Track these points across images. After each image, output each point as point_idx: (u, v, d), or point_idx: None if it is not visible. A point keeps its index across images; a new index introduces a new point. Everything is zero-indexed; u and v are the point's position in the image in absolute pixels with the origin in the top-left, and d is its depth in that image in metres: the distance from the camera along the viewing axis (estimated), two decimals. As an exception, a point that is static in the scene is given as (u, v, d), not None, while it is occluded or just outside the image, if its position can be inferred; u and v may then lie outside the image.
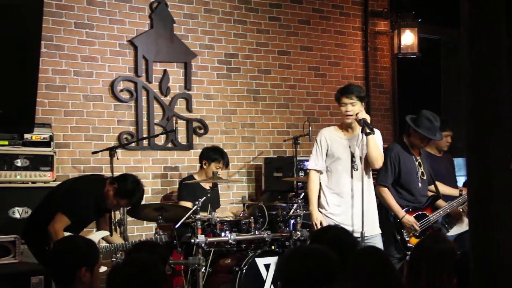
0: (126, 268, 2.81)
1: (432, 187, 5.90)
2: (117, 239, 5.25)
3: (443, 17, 8.17)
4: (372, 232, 5.21)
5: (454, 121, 6.48)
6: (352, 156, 5.17)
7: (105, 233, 5.15)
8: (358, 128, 5.19)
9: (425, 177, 5.78)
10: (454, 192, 6.00)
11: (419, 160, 5.78)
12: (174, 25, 6.90)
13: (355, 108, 5.16)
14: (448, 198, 5.94)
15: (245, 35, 7.38)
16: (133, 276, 2.73)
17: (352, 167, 5.14)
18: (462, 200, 5.84)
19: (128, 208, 5.30)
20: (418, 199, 5.72)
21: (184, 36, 6.96)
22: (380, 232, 5.34)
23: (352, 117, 5.15)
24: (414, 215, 5.63)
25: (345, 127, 5.30)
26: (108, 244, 5.10)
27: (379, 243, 5.22)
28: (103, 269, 5.11)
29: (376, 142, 5.17)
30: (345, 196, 5.18)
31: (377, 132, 5.27)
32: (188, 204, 5.90)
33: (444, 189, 6.00)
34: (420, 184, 5.74)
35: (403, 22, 8.21)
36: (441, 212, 5.78)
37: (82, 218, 5.09)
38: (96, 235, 5.06)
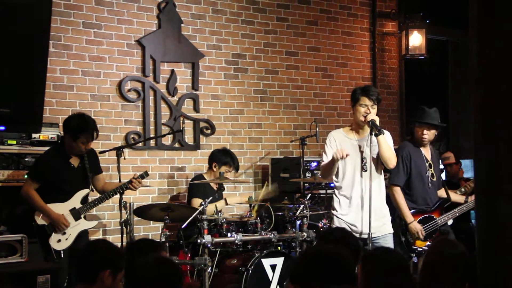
0: (147, 269, 2.82)
1: (442, 191, 5.85)
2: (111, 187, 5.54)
3: (451, 18, 8.15)
4: (383, 231, 5.22)
5: (462, 123, 6.44)
6: (362, 157, 5.15)
7: (85, 191, 5.41)
8: (367, 129, 5.18)
9: (435, 179, 5.73)
10: (460, 198, 5.96)
11: (430, 162, 5.74)
12: (182, 25, 6.90)
13: (374, 111, 5.17)
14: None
15: (252, 35, 7.38)
16: (157, 277, 2.75)
17: (362, 168, 5.12)
18: (472, 205, 5.81)
19: (89, 141, 5.36)
20: (426, 201, 5.68)
21: (192, 36, 6.97)
22: (392, 231, 5.33)
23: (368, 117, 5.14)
24: (421, 217, 5.62)
25: (356, 128, 5.29)
26: (98, 196, 5.49)
27: (390, 243, 5.20)
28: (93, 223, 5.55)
29: (387, 142, 5.17)
30: (354, 197, 5.19)
31: (387, 133, 5.26)
32: (200, 201, 5.93)
33: (451, 195, 5.92)
34: (430, 186, 5.70)
35: (411, 23, 8.19)
36: (450, 215, 5.74)
37: (48, 175, 5.28)
38: (76, 196, 5.36)
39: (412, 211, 5.60)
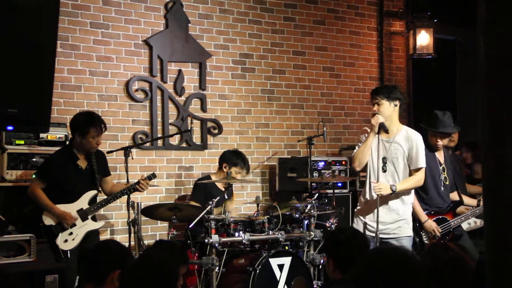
0: (137, 269, 2.82)
1: (454, 194, 5.87)
2: (118, 189, 5.56)
3: (459, 17, 8.13)
4: (398, 233, 5.27)
5: (469, 122, 6.44)
6: (384, 157, 5.21)
7: (92, 192, 5.44)
8: (394, 131, 5.28)
9: (448, 182, 5.77)
10: (472, 202, 5.96)
11: (443, 165, 5.77)
12: (189, 25, 6.91)
13: (381, 108, 5.25)
14: None
15: (260, 35, 7.38)
16: (144, 277, 2.73)
17: (382, 168, 5.19)
18: None
19: (99, 134, 5.41)
20: (438, 203, 5.70)
21: (199, 36, 6.97)
22: (411, 235, 5.36)
23: (377, 117, 5.22)
24: (434, 218, 5.63)
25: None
26: (106, 197, 5.52)
27: (406, 246, 5.21)
28: (100, 224, 5.55)
29: (403, 186, 5.24)
30: (371, 196, 5.26)
31: (418, 137, 5.34)
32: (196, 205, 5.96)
33: (464, 198, 5.94)
34: (442, 189, 5.74)
35: (419, 22, 8.17)
36: (463, 218, 5.75)
37: (55, 176, 5.31)
38: (84, 197, 5.38)
39: (425, 212, 5.62)
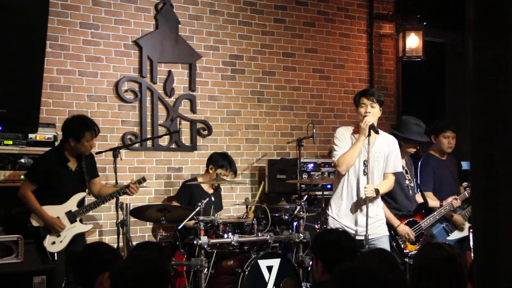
0: (129, 267, 2.81)
1: (418, 196, 5.93)
2: (108, 191, 5.55)
3: (448, 20, 8.16)
4: (378, 233, 5.26)
5: (459, 125, 6.46)
6: (365, 160, 5.18)
7: (81, 194, 5.45)
8: (372, 133, 5.22)
9: (413, 184, 5.83)
10: (435, 203, 6.01)
11: (406, 168, 5.81)
12: (179, 26, 6.90)
13: (374, 110, 5.21)
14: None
15: (250, 36, 7.38)
16: (137, 275, 2.72)
17: (363, 171, 5.17)
18: (449, 207, 5.92)
19: (93, 137, 5.43)
20: (405, 207, 5.73)
21: (189, 37, 6.96)
22: (388, 234, 5.38)
23: (366, 119, 5.14)
24: (405, 222, 5.65)
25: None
26: (94, 200, 5.50)
27: (385, 245, 5.22)
28: (89, 227, 5.56)
29: (383, 189, 5.27)
30: (351, 199, 5.23)
31: (394, 141, 5.37)
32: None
33: (428, 200, 6.02)
34: (410, 192, 5.79)
35: (408, 25, 8.19)
36: (431, 218, 5.81)
37: (47, 178, 5.30)
38: (72, 199, 5.38)
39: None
